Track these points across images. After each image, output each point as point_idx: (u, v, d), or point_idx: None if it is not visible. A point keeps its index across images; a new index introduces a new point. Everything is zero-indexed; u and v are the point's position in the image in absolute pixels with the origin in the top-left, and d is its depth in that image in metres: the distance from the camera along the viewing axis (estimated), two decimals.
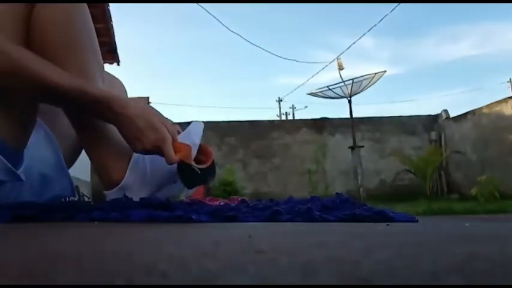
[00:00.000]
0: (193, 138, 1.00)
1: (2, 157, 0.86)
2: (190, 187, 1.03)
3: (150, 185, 0.98)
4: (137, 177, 0.97)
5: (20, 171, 0.91)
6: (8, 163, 0.86)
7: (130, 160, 0.97)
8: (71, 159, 1.20)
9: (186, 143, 0.94)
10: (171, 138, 0.89)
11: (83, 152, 1.07)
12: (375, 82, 6.56)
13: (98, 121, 0.94)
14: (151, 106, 0.90)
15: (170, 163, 0.89)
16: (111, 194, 0.97)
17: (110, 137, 0.95)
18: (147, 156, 0.97)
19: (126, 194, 0.94)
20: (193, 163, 0.93)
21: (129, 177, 0.96)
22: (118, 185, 0.95)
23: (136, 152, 0.93)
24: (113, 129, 0.93)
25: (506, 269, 0.28)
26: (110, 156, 0.95)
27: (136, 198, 0.92)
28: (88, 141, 0.98)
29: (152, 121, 0.87)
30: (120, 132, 0.89)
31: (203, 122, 1.06)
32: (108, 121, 0.90)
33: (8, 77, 0.82)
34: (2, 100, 0.87)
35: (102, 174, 0.97)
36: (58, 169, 1.08)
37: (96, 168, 0.98)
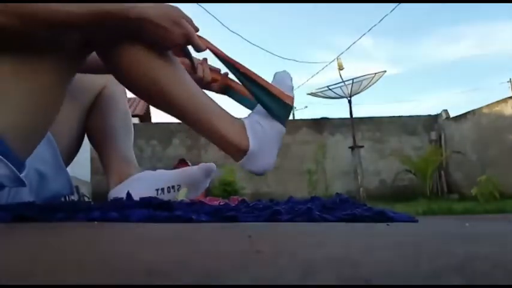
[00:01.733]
0: (288, 86, 1.02)
1: (12, 166, 0.84)
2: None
3: (274, 142, 0.99)
4: (262, 138, 0.97)
5: (22, 175, 0.90)
6: (16, 171, 0.85)
7: (245, 125, 0.97)
8: (69, 158, 1.21)
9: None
10: (194, 30, 0.91)
11: (83, 152, 1.07)
12: (375, 82, 6.55)
13: (197, 98, 0.95)
14: (166, 4, 0.89)
15: (201, 50, 0.93)
16: (245, 164, 0.98)
17: (216, 108, 0.96)
18: (255, 116, 0.99)
19: (256, 161, 0.96)
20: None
21: (255, 142, 0.96)
22: (246, 153, 0.96)
23: (169, 49, 0.93)
24: (211, 104, 0.96)
25: (506, 269, 0.28)
26: (226, 127, 0.95)
27: (259, 165, 0.98)
28: (196, 118, 0.96)
29: (174, 17, 0.88)
30: (147, 38, 0.89)
31: None
32: (132, 33, 0.88)
33: (26, 20, 0.79)
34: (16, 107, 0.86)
35: (225, 147, 0.97)
36: (56, 167, 1.09)
37: (217, 143, 0.98)
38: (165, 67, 0.92)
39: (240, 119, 0.99)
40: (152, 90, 0.92)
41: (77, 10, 0.81)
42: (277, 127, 0.99)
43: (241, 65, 1.00)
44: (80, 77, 1.15)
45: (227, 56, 0.99)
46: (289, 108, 1.00)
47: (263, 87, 0.98)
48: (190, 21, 0.92)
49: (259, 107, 1.01)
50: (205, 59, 1.09)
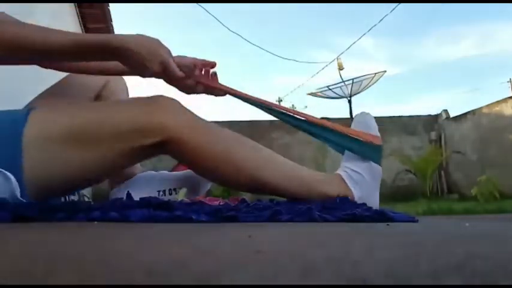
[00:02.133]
0: (372, 126, 1.04)
1: (22, 199, 0.85)
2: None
3: (374, 184, 1.01)
4: (363, 185, 0.99)
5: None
6: (23, 200, 0.86)
7: (343, 178, 0.99)
8: None
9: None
10: (171, 58, 0.94)
11: None
12: (375, 82, 6.56)
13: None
14: (146, 35, 0.93)
15: (178, 78, 0.96)
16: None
17: (310, 173, 0.99)
18: (348, 164, 1.00)
19: (364, 203, 0.96)
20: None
21: (357, 191, 0.98)
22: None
23: (145, 77, 0.95)
24: (304, 171, 0.98)
25: (506, 269, 0.28)
26: (328, 186, 0.97)
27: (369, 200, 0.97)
28: (295, 192, 0.98)
29: (152, 47, 0.91)
30: (127, 65, 0.92)
31: None
32: (113, 59, 0.92)
33: (10, 47, 0.83)
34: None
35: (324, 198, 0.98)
36: None
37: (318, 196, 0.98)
38: (253, 157, 0.96)
39: (335, 173, 1.01)
40: (248, 183, 0.95)
41: (62, 41, 0.84)
42: (373, 168, 1.00)
43: (318, 119, 1.04)
44: (79, 76, 1.15)
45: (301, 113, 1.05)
46: (380, 148, 1.01)
47: (349, 137, 1.00)
48: (168, 51, 0.94)
49: (347, 154, 1.02)
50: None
